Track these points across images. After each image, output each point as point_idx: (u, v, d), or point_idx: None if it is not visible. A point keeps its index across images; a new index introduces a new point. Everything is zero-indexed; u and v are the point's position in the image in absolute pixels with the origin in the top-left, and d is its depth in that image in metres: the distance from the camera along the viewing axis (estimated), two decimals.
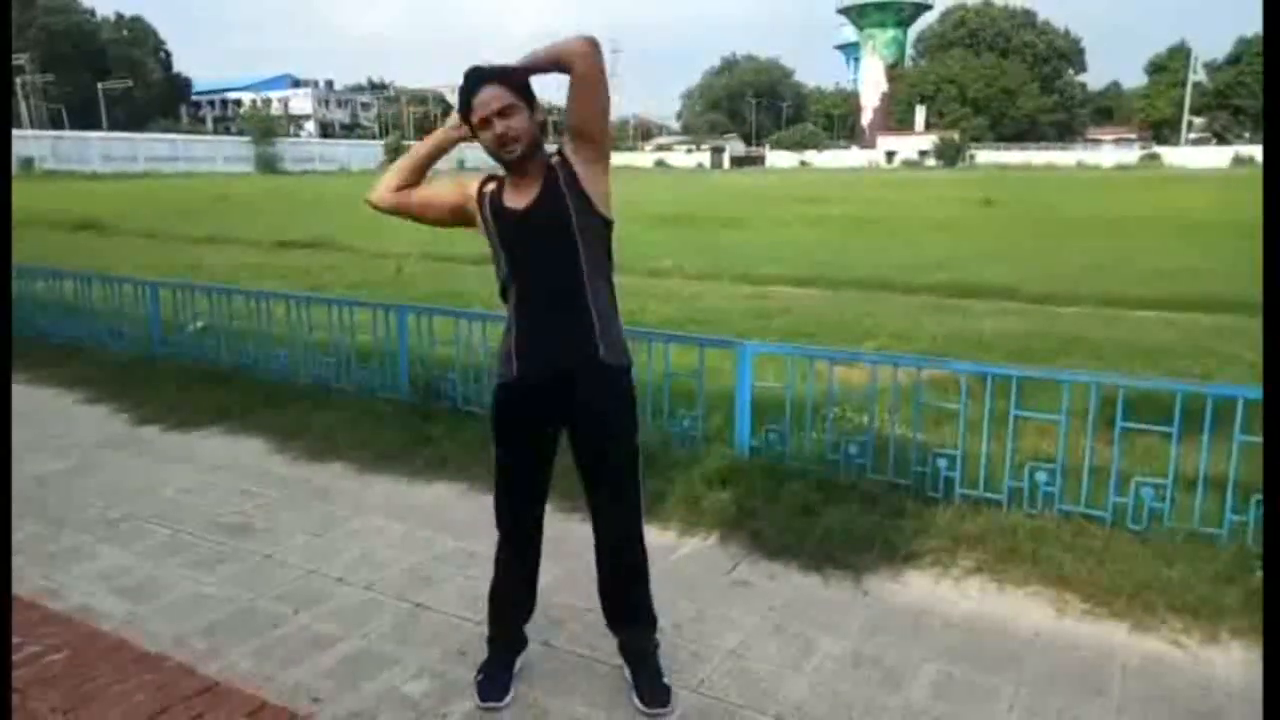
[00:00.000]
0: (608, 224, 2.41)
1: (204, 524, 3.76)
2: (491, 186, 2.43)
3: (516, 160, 2.31)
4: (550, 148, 2.39)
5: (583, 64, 2.21)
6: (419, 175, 2.54)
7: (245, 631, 2.89)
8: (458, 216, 2.50)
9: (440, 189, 2.53)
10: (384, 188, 2.53)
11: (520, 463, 2.52)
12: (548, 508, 2.63)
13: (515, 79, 2.30)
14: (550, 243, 2.33)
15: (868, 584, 3.20)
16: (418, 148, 2.56)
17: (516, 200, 2.36)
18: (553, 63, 2.26)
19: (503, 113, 2.27)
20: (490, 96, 2.27)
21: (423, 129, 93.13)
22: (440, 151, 2.54)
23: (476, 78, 2.29)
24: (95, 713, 2.46)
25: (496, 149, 2.30)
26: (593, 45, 2.21)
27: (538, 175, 2.34)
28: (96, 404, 5.52)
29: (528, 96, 2.31)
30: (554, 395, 2.40)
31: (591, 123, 2.31)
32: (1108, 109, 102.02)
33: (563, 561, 2.95)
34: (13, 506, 3.80)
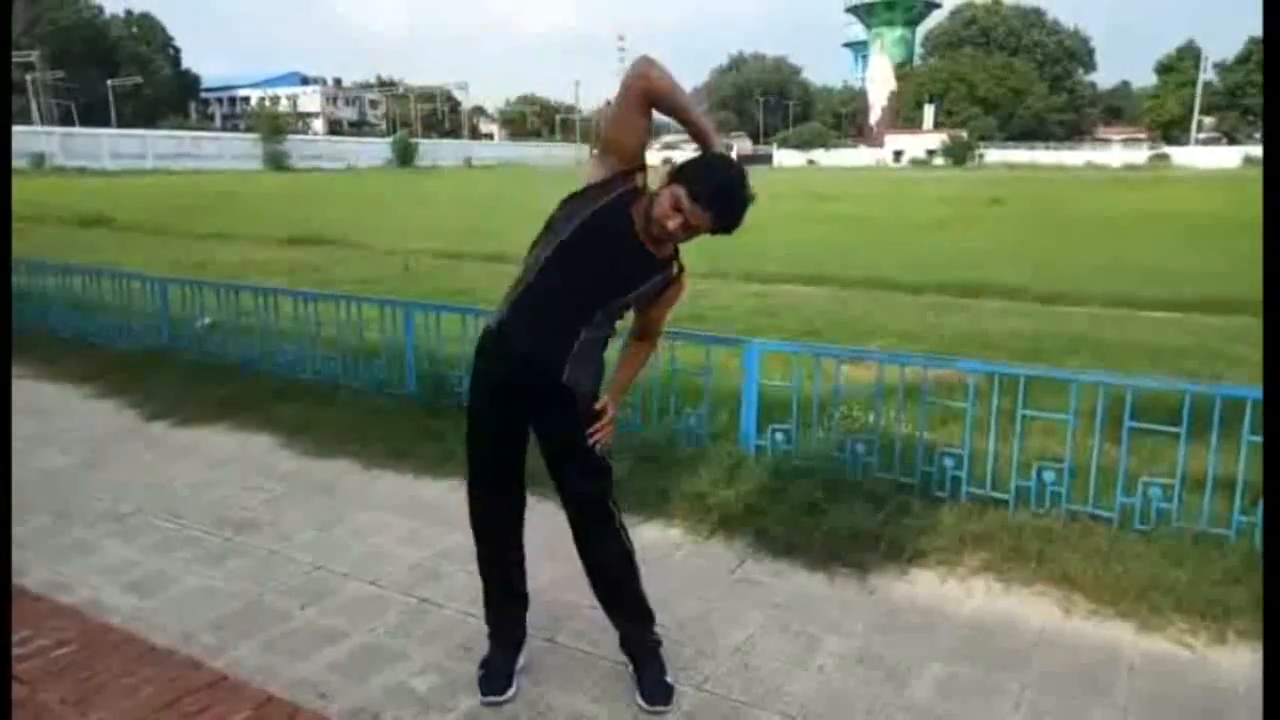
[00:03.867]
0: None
1: (211, 519, 3.77)
2: (639, 183, 2.33)
3: (653, 240, 2.30)
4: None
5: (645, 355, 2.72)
6: (666, 107, 2.27)
7: (252, 626, 2.91)
8: (628, 150, 2.31)
9: (641, 132, 2.31)
10: (654, 78, 2.23)
11: (486, 438, 2.50)
12: (550, 506, 2.64)
13: (730, 226, 2.27)
14: (609, 280, 2.34)
15: (873, 582, 3.19)
16: (691, 106, 2.33)
17: (638, 224, 2.29)
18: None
19: (693, 230, 2.25)
20: (707, 223, 2.23)
21: (430, 126, 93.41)
22: (686, 125, 2.34)
23: (730, 214, 2.24)
24: (103, 705, 2.47)
25: (657, 227, 2.24)
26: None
27: (660, 246, 2.33)
28: (105, 399, 5.54)
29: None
30: (521, 380, 2.40)
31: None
32: (1117, 109, 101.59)
33: (566, 559, 2.94)
34: (22, 500, 3.83)
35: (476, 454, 2.53)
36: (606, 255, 2.32)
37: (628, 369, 2.62)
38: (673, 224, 2.21)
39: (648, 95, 2.23)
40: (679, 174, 2.26)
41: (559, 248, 2.33)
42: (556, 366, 2.36)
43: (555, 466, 2.50)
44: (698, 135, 2.35)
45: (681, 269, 2.42)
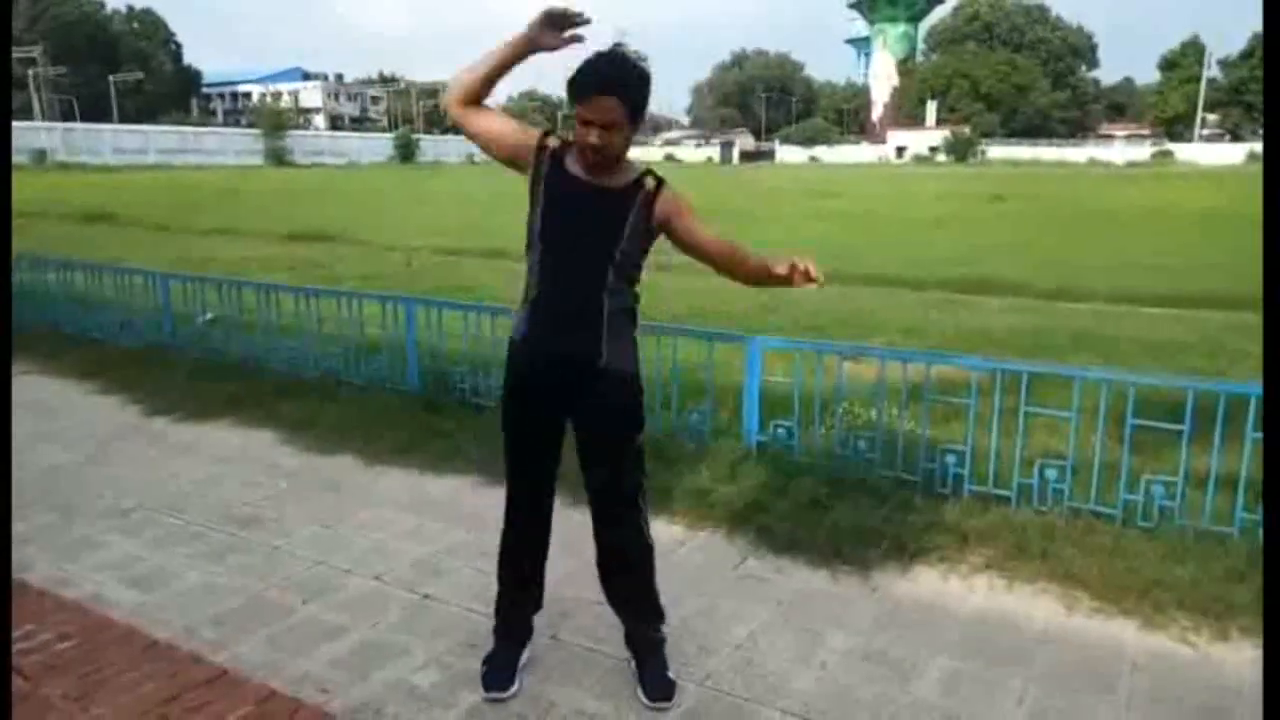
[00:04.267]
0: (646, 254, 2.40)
1: (214, 514, 3.77)
2: (555, 143, 2.35)
3: (590, 165, 2.28)
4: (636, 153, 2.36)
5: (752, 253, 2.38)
6: (479, 89, 2.34)
7: (254, 622, 2.91)
8: (508, 156, 2.39)
9: (501, 125, 2.39)
10: (450, 98, 2.38)
11: (529, 439, 2.51)
12: (557, 502, 2.64)
13: (637, 94, 2.22)
14: (595, 235, 2.31)
15: (876, 579, 3.19)
16: (486, 56, 2.33)
17: (581, 172, 2.30)
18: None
19: (608, 125, 2.19)
20: (606, 107, 2.17)
21: (433, 123, 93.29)
22: (508, 66, 2.31)
23: (601, 80, 2.17)
24: (105, 700, 2.48)
25: (582, 149, 2.25)
26: None
27: (610, 170, 2.30)
28: (108, 394, 5.55)
29: (638, 116, 2.24)
30: (557, 380, 2.40)
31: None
32: (1120, 105, 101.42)
33: (573, 555, 2.95)
34: (26, 496, 3.83)
35: (519, 462, 2.53)
36: (575, 214, 2.32)
37: (758, 263, 2.41)
38: (589, 137, 2.21)
39: (455, 109, 2.37)
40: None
41: (542, 240, 2.35)
42: (593, 354, 2.34)
43: (590, 457, 2.49)
44: (513, 60, 2.31)
45: (659, 180, 2.35)
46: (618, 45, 2.24)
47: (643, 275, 2.44)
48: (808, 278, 2.26)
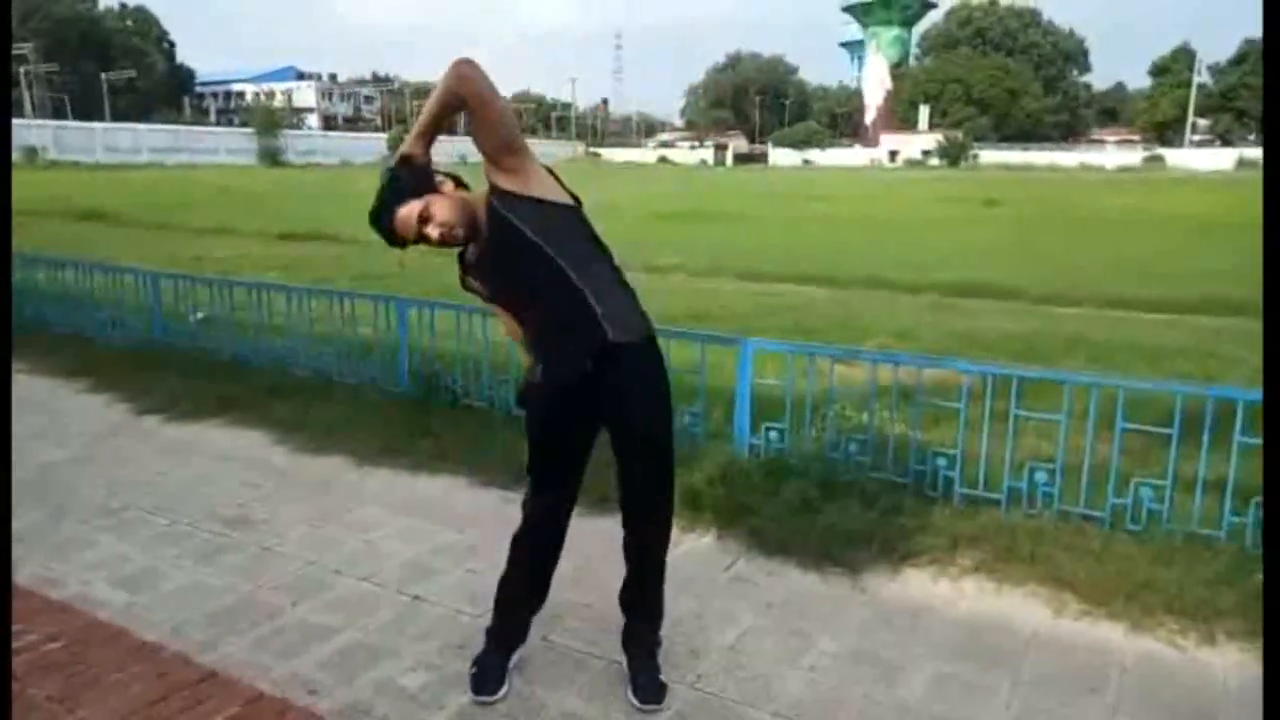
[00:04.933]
0: (571, 208, 2.33)
1: (204, 514, 3.76)
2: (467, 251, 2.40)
3: (468, 241, 2.31)
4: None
5: (467, 89, 2.14)
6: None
7: (244, 622, 2.90)
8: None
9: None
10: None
11: (555, 456, 2.50)
12: None
13: (407, 184, 2.24)
14: (521, 263, 2.28)
15: (866, 582, 3.20)
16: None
17: (476, 249, 2.35)
18: (446, 107, 2.20)
19: (423, 217, 2.23)
20: (403, 215, 2.23)
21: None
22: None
23: (377, 213, 2.26)
24: (93, 701, 2.46)
25: (447, 247, 2.29)
26: (468, 66, 2.14)
27: (474, 221, 2.30)
28: (98, 393, 5.52)
29: (431, 184, 2.26)
30: (580, 390, 2.37)
31: (497, 138, 2.22)
32: (1112, 110, 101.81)
33: (566, 557, 2.94)
34: (15, 494, 3.80)
35: (547, 474, 2.52)
36: (498, 267, 2.35)
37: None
38: (433, 238, 2.26)
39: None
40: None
41: (498, 285, 2.41)
42: (598, 335, 2.29)
43: (631, 441, 2.44)
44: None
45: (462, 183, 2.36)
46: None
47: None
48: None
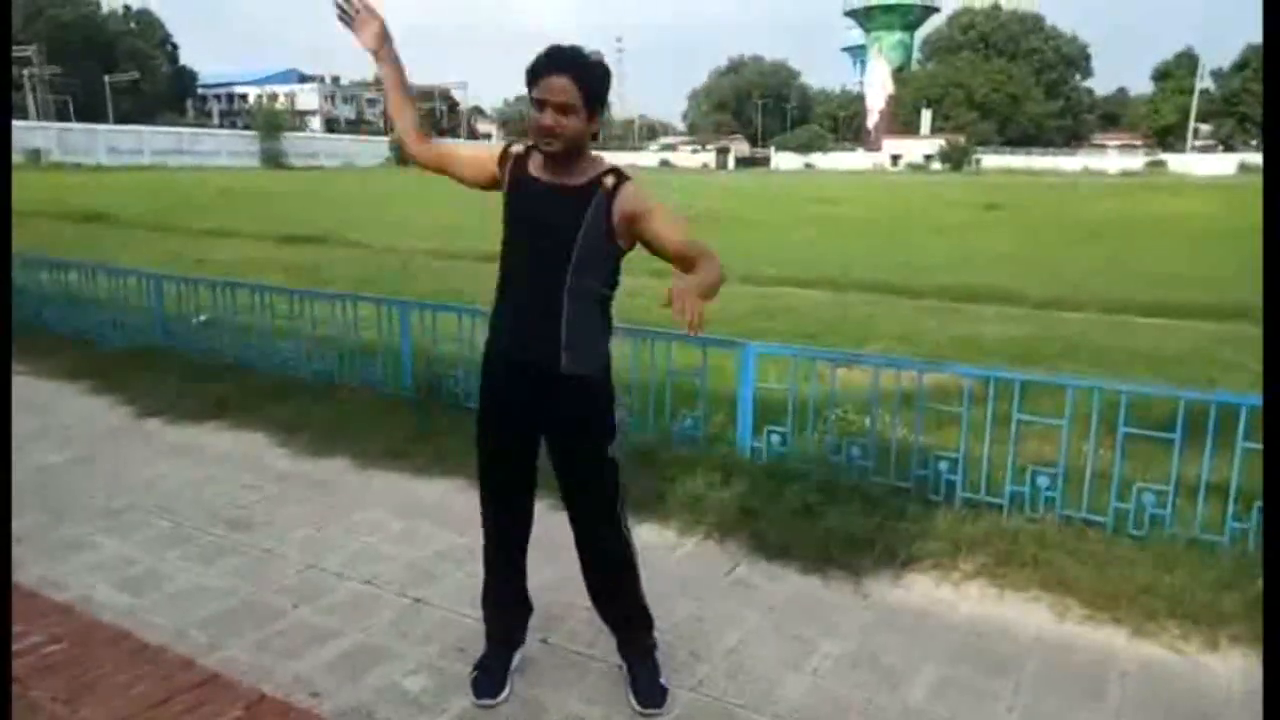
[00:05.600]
0: (621, 252, 2.33)
1: (205, 517, 3.76)
2: (519, 149, 2.38)
3: (549, 154, 2.25)
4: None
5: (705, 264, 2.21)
6: (411, 116, 2.51)
7: (245, 624, 2.90)
8: (475, 173, 2.44)
9: (465, 150, 2.50)
10: (407, 144, 2.51)
11: (498, 455, 2.50)
12: (543, 505, 2.63)
13: (592, 78, 2.19)
14: (551, 235, 2.27)
15: (868, 586, 3.20)
16: (388, 91, 2.54)
17: (542, 173, 2.30)
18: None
19: (561, 108, 2.16)
20: (559, 86, 2.15)
21: (429, 126, 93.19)
22: (396, 83, 2.51)
23: (555, 60, 2.17)
24: (95, 703, 2.46)
25: (536, 136, 2.23)
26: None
27: (571, 169, 2.27)
28: (100, 395, 5.53)
29: (595, 104, 2.20)
30: (524, 392, 2.37)
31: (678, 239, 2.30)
32: (1114, 115, 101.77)
33: (563, 560, 2.94)
34: (16, 497, 3.80)
35: (487, 467, 2.52)
36: (532, 214, 2.31)
37: (698, 272, 2.21)
38: (543, 119, 2.19)
39: (415, 149, 2.50)
40: None
41: (504, 244, 2.38)
42: (552, 360, 2.30)
43: (561, 469, 2.46)
44: (389, 78, 2.50)
45: (621, 177, 2.28)
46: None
47: (620, 278, 2.37)
48: (689, 323, 2.03)
